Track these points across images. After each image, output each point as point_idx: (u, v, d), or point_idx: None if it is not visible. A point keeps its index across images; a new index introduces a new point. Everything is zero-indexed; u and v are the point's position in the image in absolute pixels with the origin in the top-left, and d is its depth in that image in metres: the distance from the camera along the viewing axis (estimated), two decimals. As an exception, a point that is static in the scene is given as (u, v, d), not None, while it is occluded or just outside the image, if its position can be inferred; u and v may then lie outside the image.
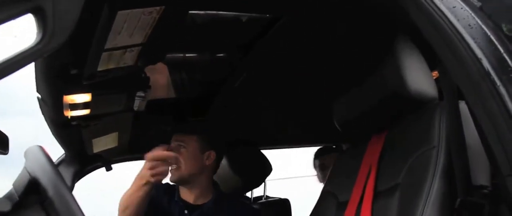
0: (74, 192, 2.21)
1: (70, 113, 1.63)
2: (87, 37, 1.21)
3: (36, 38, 0.84)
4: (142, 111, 1.97)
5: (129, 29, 1.24)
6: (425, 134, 1.27)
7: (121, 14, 1.15)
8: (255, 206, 2.24)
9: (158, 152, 1.81)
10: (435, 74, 1.47)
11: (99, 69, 1.39)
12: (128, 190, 1.85)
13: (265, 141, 2.49)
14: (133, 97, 1.83)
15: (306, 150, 2.74)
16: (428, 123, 1.28)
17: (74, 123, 1.78)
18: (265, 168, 2.29)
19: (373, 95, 1.44)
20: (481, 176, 1.14)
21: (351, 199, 1.50)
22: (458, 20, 0.99)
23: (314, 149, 2.63)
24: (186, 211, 2.01)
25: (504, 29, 1.01)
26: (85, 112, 1.70)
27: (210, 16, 1.54)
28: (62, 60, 1.32)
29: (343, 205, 1.53)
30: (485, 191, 1.12)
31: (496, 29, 1.00)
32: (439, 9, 1.00)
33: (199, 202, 2.05)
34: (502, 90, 0.92)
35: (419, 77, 1.35)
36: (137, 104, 1.92)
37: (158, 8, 1.21)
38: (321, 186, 1.72)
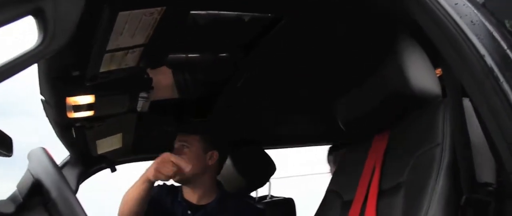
0: (79, 193, 2.22)
1: (74, 115, 1.63)
2: (89, 38, 1.21)
3: (37, 40, 0.85)
4: (146, 112, 1.97)
5: (130, 30, 1.24)
6: (429, 132, 1.26)
7: (122, 15, 1.15)
8: (259, 206, 2.24)
9: (174, 156, 1.91)
10: (439, 72, 1.46)
11: (101, 70, 1.39)
12: (130, 187, 1.90)
13: (268, 140, 2.48)
14: (136, 98, 1.83)
15: (305, 149, 2.74)
16: (431, 120, 1.27)
17: (78, 124, 1.79)
18: (269, 168, 2.29)
19: (376, 94, 1.43)
20: (486, 173, 1.13)
21: (355, 198, 1.50)
22: (460, 17, 0.99)
23: (314, 147, 2.63)
24: (189, 212, 2.02)
25: (507, 25, 1.00)
26: (89, 113, 1.70)
27: (211, 16, 1.53)
28: (65, 61, 1.32)
29: (347, 204, 1.52)
30: (490, 188, 1.11)
31: (499, 25, 1.00)
32: (441, 6, 0.99)
33: (203, 202, 2.05)
34: (506, 86, 0.91)
35: (422, 75, 1.34)
36: (141, 105, 1.92)
37: (159, 8, 1.21)
38: (321, 184, 1.72)
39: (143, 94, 1.85)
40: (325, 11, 1.44)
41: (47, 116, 1.73)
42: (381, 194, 1.39)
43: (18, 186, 0.95)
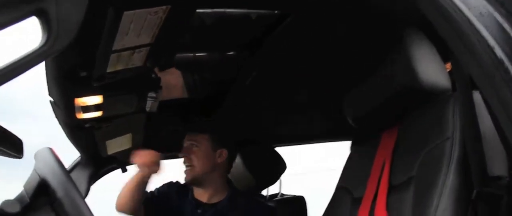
0: (90, 194, 2.23)
1: (82, 116, 1.64)
2: (95, 38, 1.21)
3: (41, 40, 0.85)
4: (154, 112, 1.97)
5: (136, 30, 1.24)
6: (439, 126, 1.24)
7: (127, 15, 1.15)
8: (270, 204, 2.23)
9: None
10: (449, 66, 1.44)
11: (109, 70, 1.39)
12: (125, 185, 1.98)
13: (278, 138, 2.48)
14: (144, 98, 1.83)
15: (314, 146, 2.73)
16: (441, 114, 1.26)
17: (87, 125, 1.79)
18: (279, 166, 2.28)
19: (384, 89, 1.42)
20: (498, 166, 1.11)
21: (365, 194, 1.49)
22: (469, 8, 0.97)
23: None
24: (199, 211, 2.02)
25: None
26: (97, 114, 1.70)
27: (217, 14, 1.53)
28: (72, 62, 1.33)
29: (357, 201, 1.51)
30: (502, 181, 1.09)
31: (509, 16, 0.98)
32: None
33: (214, 201, 2.05)
34: None
35: (431, 69, 1.32)
36: (149, 105, 1.92)
37: (164, 7, 1.20)
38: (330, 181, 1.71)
39: (151, 94, 1.85)
40: (330, 8, 1.43)
41: (56, 117, 1.74)
42: (391, 190, 1.37)
43: (24, 186, 0.96)
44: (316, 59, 1.77)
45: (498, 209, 1.07)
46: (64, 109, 1.59)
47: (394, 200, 1.35)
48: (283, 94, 2.09)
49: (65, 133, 1.86)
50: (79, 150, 2.17)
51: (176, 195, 2.07)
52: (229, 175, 2.16)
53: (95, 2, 0.92)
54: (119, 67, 1.41)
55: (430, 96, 1.33)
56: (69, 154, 2.24)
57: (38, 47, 0.83)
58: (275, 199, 2.31)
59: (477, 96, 1.12)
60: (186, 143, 2.10)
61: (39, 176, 0.94)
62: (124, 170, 2.39)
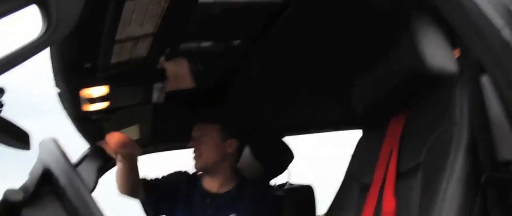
0: (99, 186, 2.24)
1: (89, 107, 1.64)
2: (98, 29, 1.21)
3: (41, 29, 0.84)
4: (161, 102, 1.97)
5: (138, 20, 1.24)
6: (446, 111, 1.23)
7: (129, 4, 1.15)
8: (278, 193, 2.23)
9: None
10: (457, 52, 1.42)
11: (113, 61, 1.39)
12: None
13: (285, 128, 2.47)
14: (150, 88, 1.83)
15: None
16: (448, 99, 1.24)
17: (94, 117, 1.80)
18: (288, 155, 2.27)
19: (391, 75, 1.40)
20: (507, 151, 1.09)
21: (373, 181, 1.48)
22: None
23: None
24: (208, 200, 2.02)
25: None
26: (104, 105, 1.71)
27: (221, 3, 1.52)
28: (76, 54, 1.33)
29: (366, 187, 1.51)
30: None
31: None
32: None
33: (223, 190, 2.06)
34: None
35: (438, 54, 1.30)
36: (156, 95, 1.92)
37: None
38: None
39: (157, 85, 1.85)
40: None
41: (63, 109, 1.74)
42: (399, 176, 1.36)
43: (29, 175, 0.97)
44: (322, 47, 1.75)
45: (507, 194, 1.05)
46: (70, 101, 1.60)
47: (402, 187, 1.34)
48: (290, 83, 2.08)
49: (73, 124, 1.87)
50: (87, 142, 2.18)
51: (185, 185, 2.08)
52: (237, 165, 2.16)
53: None
54: (124, 58, 1.41)
55: (438, 81, 1.31)
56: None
57: (38, 37, 0.83)
58: (283, 188, 2.30)
59: (485, 80, 1.11)
60: (195, 133, 2.09)
61: (43, 165, 0.95)
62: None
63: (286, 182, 2.33)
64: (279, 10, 1.55)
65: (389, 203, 1.37)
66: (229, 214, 1.98)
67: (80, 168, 2.20)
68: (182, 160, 2.43)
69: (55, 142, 0.99)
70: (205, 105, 2.25)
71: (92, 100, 1.65)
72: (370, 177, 1.49)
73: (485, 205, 1.07)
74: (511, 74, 0.93)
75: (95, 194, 2.18)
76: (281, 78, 2.05)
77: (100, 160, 2.27)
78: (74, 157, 2.24)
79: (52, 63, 1.38)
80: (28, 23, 0.87)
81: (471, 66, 1.12)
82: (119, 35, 1.26)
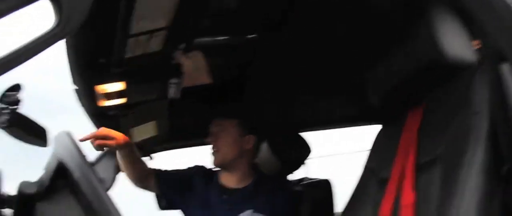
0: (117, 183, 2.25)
1: (105, 103, 1.65)
2: (111, 23, 1.21)
3: (53, 23, 0.85)
4: (178, 98, 1.97)
5: (151, 14, 1.24)
6: (465, 101, 1.19)
7: None
8: (296, 188, 2.22)
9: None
10: (477, 43, 1.39)
11: (127, 56, 1.40)
12: None
13: (302, 123, 2.45)
14: (166, 84, 1.83)
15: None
16: (467, 89, 1.21)
17: (111, 112, 1.81)
18: (305, 150, 2.26)
19: (407, 65, 1.37)
20: None
21: (392, 175, 1.45)
22: None
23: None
24: (224, 196, 2.02)
25: None
26: (120, 101, 1.72)
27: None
28: (91, 49, 1.34)
29: (384, 182, 1.48)
30: None
31: None
32: None
33: (240, 186, 2.05)
34: None
35: (456, 43, 1.26)
36: (172, 91, 1.92)
37: None
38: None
39: (174, 80, 1.85)
40: None
41: (81, 105, 1.76)
42: (418, 169, 1.33)
43: (45, 169, 0.98)
44: (337, 38, 1.73)
45: (530, 185, 1.03)
46: (87, 97, 1.61)
47: (421, 180, 1.31)
48: (306, 77, 2.06)
49: (91, 120, 1.88)
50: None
51: (202, 180, 2.07)
52: (255, 160, 2.15)
53: None
54: (138, 53, 1.42)
55: (455, 71, 1.27)
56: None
57: (50, 30, 0.84)
58: (301, 183, 2.29)
59: (505, 68, 1.08)
60: (213, 129, 2.08)
61: (57, 159, 0.95)
62: (151, 158, 2.40)
63: (305, 177, 2.32)
64: (294, 2, 1.53)
65: (408, 196, 1.34)
66: (246, 210, 1.97)
67: (98, 165, 2.22)
68: (198, 157, 2.44)
69: (69, 135, 0.99)
70: (222, 101, 2.24)
71: (108, 96, 1.66)
72: (388, 172, 1.46)
73: (505, 197, 1.04)
74: None
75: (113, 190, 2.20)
76: (297, 72, 2.03)
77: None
78: (93, 155, 2.26)
79: (68, 60, 1.40)
80: (39, 17, 0.88)
81: (491, 55, 1.09)
82: (133, 30, 1.26)
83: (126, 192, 2.21)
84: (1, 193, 0.98)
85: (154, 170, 2.08)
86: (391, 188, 1.43)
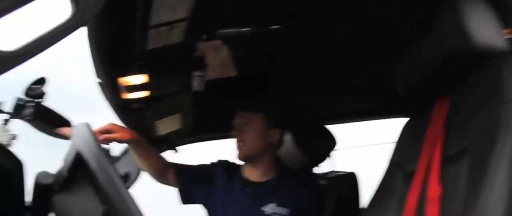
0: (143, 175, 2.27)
1: (128, 95, 1.66)
2: (131, 15, 1.21)
3: (70, 12, 0.85)
4: (202, 91, 1.97)
5: (171, 4, 1.23)
6: (495, 90, 1.14)
7: None
8: (321, 182, 2.19)
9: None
10: (507, 32, 1.33)
11: (149, 47, 1.39)
12: None
13: (328, 115, 2.41)
14: (190, 76, 1.83)
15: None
16: (497, 77, 1.15)
17: (135, 105, 1.82)
18: (330, 143, 2.23)
19: (434, 54, 1.32)
20: None
21: (418, 168, 1.41)
22: None
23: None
24: (247, 190, 2.01)
25: None
26: (144, 93, 1.72)
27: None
28: (112, 41, 1.34)
29: (410, 175, 1.44)
30: None
31: None
32: None
33: (263, 180, 2.04)
34: None
35: (485, 29, 1.21)
36: (196, 83, 1.92)
37: None
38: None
39: (197, 73, 1.84)
40: None
41: (105, 99, 1.77)
42: (444, 162, 1.29)
43: (63, 160, 0.98)
44: (362, 28, 1.69)
45: None
46: (110, 90, 1.62)
47: (448, 173, 1.26)
48: (331, 69, 2.02)
49: (115, 113, 1.90)
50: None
51: (224, 174, 2.07)
52: (280, 155, 2.13)
53: None
54: (159, 44, 1.41)
55: (484, 59, 1.22)
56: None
57: (67, 20, 0.84)
58: (326, 176, 2.26)
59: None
60: (238, 122, 2.07)
61: (76, 150, 0.95)
62: (176, 151, 2.41)
63: (331, 171, 2.28)
64: None
65: (434, 190, 1.30)
66: (269, 203, 1.96)
67: (123, 159, 2.24)
68: (222, 151, 2.44)
69: (88, 126, 1.00)
70: (246, 93, 2.22)
71: (132, 89, 1.66)
72: (414, 165, 1.42)
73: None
74: None
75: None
76: (323, 64, 2.00)
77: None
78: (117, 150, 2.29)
79: (91, 54, 1.40)
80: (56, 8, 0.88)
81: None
82: (153, 21, 1.26)
83: (149, 186, 2.22)
84: (24, 185, 0.99)
85: (174, 164, 2.08)
86: (417, 182, 1.40)
